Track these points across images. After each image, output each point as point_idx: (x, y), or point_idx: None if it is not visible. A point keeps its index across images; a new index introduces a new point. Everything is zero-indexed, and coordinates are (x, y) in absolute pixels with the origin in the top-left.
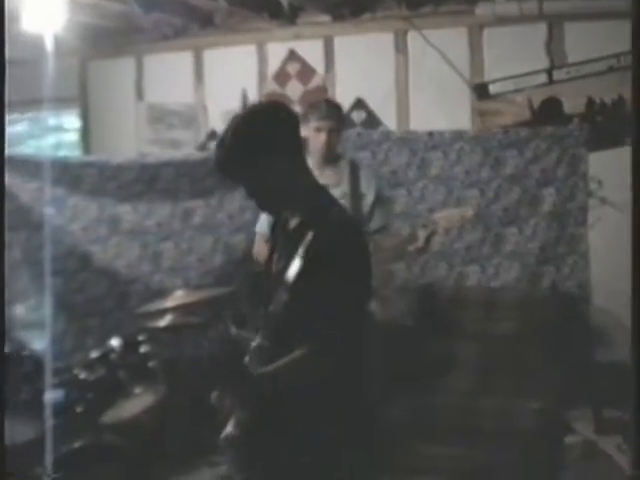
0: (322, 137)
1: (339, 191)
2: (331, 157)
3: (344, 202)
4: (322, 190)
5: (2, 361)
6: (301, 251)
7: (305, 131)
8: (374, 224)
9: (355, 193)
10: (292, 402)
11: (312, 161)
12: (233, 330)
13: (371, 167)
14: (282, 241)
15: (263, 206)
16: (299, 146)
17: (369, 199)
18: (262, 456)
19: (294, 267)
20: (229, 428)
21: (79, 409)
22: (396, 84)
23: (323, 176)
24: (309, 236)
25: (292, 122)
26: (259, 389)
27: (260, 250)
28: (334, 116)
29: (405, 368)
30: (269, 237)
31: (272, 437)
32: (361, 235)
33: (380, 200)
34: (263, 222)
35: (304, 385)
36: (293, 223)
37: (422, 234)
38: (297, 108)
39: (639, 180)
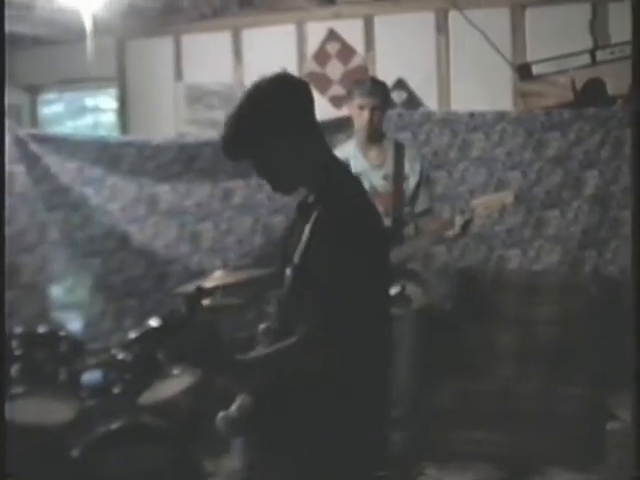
0: (365, 115)
1: (382, 172)
2: (375, 136)
3: (386, 184)
4: (338, 165)
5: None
6: (307, 229)
7: (349, 109)
8: (418, 207)
9: (398, 174)
10: (299, 390)
11: (356, 140)
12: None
13: (416, 148)
14: (298, 220)
15: (276, 186)
16: (309, 120)
17: (413, 181)
18: (263, 443)
19: (300, 246)
20: (231, 409)
21: (117, 390)
22: (437, 64)
23: (367, 156)
24: (315, 213)
25: (298, 95)
26: (245, 374)
27: None
28: (378, 93)
29: (445, 353)
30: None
31: (274, 425)
32: (369, 212)
33: (425, 182)
34: None
35: (300, 373)
36: (308, 200)
37: (459, 221)
38: (338, 88)
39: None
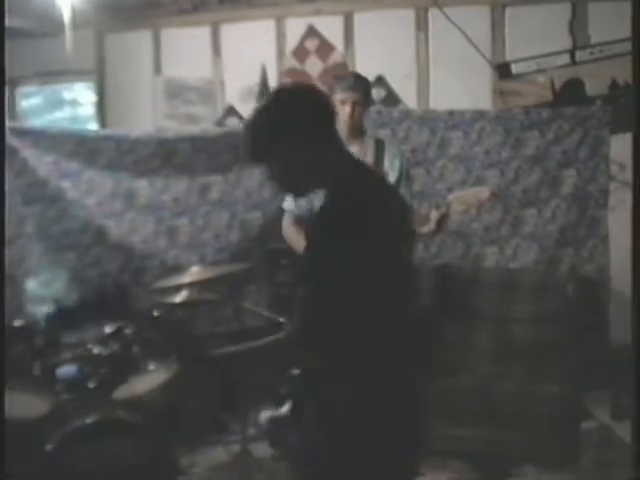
0: (347, 109)
1: None
2: (355, 131)
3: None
4: (356, 166)
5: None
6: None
7: None
8: None
9: (378, 171)
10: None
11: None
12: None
13: (396, 145)
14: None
15: (286, 188)
16: (329, 130)
17: (392, 178)
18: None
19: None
20: (283, 410)
21: (92, 384)
22: (417, 62)
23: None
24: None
25: (319, 107)
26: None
27: (289, 231)
28: (360, 89)
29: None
30: (298, 216)
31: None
32: (372, 214)
33: (404, 179)
34: (293, 200)
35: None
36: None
37: (434, 216)
38: (317, 84)
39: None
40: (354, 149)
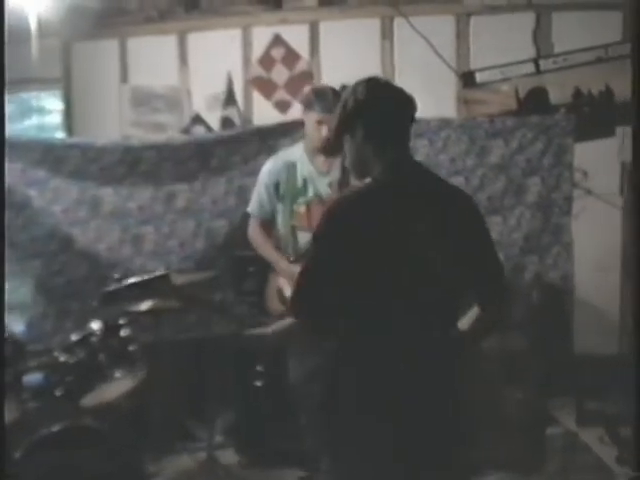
0: (323, 131)
1: (327, 179)
2: (328, 150)
3: (331, 191)
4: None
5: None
6: None
7: (305, 117)
8: None
9: (343, 182)
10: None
11: (305, 146)
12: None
13: None
14: None
15: (353, 167)
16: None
17: None
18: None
19: None
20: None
21: (59, 392)
22: (382, 71)
23: (314, 162)
24: None
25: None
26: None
27: (255, 235)
28: None
29: None
30: (264, 220)
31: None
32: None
33: None
34: (258, 203)
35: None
36: None
37: None
38: (283, 93)
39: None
40: (320, 160)
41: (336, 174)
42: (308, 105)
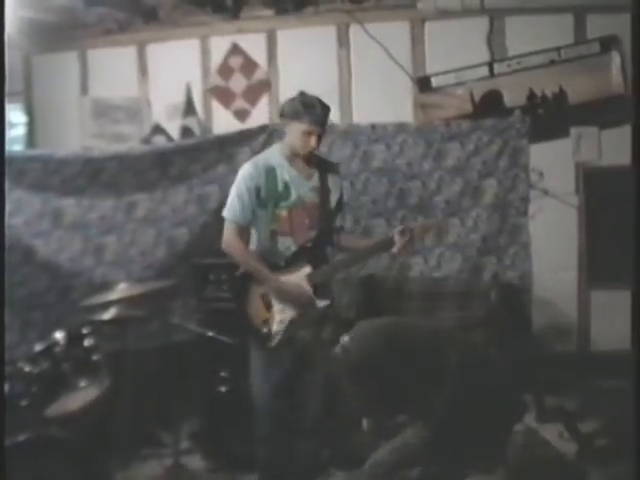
0: (312, 142)
1: (310, 184)
2: (309, 159)
3: (314, 195)
4: None
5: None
6: None
7: (289, 126)
8: (337, 222)
9: (324, 187)
10: None
11: (281, 151)
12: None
13: (337, 164)
14: None
15: None
16: None
17: (335, 195)
18: None
19: None
20: None
21: (23, 402)
22: (339, 77)
23: (294, 166)
24: None
25: None
26: None
27: (232, 241)
28: (326, 121)
29: None
30: (242, 226)
31: None
32: None
33: (342, 198)
34: (236, 208)
35: None
36: None
37: (398, 241)
38: (241, 101)
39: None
40: (301, 166)
41: (316, 179)
42: (294, 115)
